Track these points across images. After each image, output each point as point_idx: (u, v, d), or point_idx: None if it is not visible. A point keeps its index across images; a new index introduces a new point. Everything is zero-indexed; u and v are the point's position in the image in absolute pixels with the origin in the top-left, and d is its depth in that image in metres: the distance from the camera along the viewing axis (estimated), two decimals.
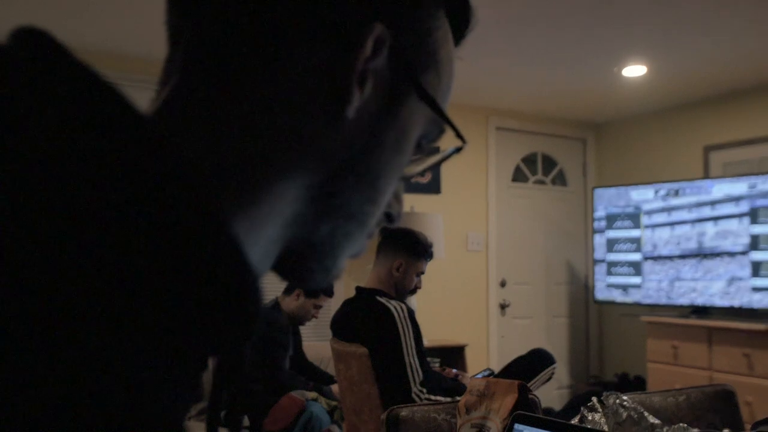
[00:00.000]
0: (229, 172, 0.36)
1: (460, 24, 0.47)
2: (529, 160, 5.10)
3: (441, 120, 0.44)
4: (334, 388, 3.11)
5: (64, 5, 2.96)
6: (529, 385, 2.65)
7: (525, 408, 0.83)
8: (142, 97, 0.37)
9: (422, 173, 0.48)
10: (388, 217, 0.47)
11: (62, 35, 0.33)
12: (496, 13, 3.02)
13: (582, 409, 1.13)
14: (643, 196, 4.40)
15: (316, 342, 3.79)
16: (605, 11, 3.03)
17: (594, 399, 1.04)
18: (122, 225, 0.29)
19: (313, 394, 3.08)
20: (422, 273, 2.65)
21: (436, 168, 0.45)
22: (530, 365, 2.78)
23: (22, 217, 0.27)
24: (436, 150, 0.48)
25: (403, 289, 2.61)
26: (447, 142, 0.48)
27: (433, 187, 4.55)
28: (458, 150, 0.47)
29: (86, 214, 0.28)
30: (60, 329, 0.26)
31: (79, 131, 0.30)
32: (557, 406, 4.67)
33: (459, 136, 0.45)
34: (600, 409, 1.04)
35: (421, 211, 4.21)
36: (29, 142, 0.29)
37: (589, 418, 1.05)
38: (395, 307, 2.44)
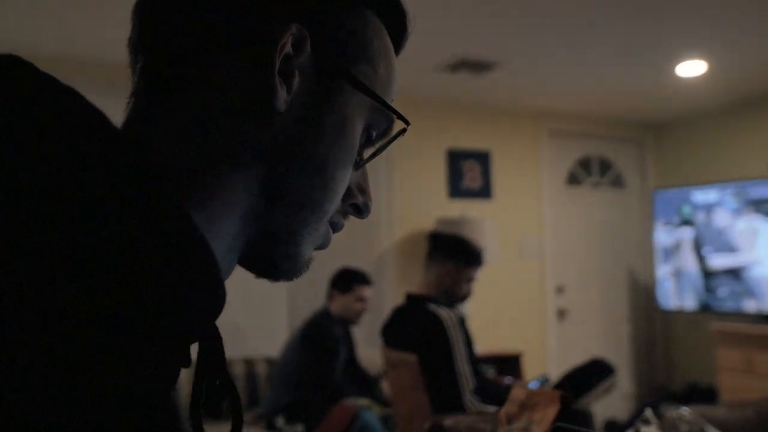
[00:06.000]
0: (183, 174, 0.41)
1: (396, 23, 0.50)
2: (584, 163, 4.97)
3: (383, 108, 0.47)
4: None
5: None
6: (587, 396, 2.58)
7: (568, 419, 0.79)
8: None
9: (372, 158, 0.50)
10: (356, 208, 0.50)
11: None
12: (544, 12, 2.96)
13: (636, 422, 1.07)
14: (707, 197, 4.21)
15: (371, 349, 3.77)
16: (661, 5, 2.92)
17: (647, 411, 0.98)
18: (99, 219, 0.33)
19: (365, 402, 3.06)
20: (473, 279, 2.60)
21: (382, 151, 0.46)
22: (588, 375, 2.68)
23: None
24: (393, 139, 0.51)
25: (454, 295, 2.57)
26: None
27: (485, 193, 4.48)
28: (403, 132, 0.50)
29: (68, 216, 0.33)
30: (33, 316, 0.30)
31: (65, 150, 0.34)
32: (622, 417, 4.51)
33: (401, 118, 0.48)
34: (654, 422, 0.98)
35: (472, 216, 4.15)
36: (18, 157, 0.34)
37: (643, 431, 0.99)
38: (445, 315, 2.41)
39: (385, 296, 3.94)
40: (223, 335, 0.44)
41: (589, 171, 4.98)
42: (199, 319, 0.38)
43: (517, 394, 0.90)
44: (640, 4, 2.89)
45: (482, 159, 4.48)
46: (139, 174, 0.36)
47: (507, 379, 2.93)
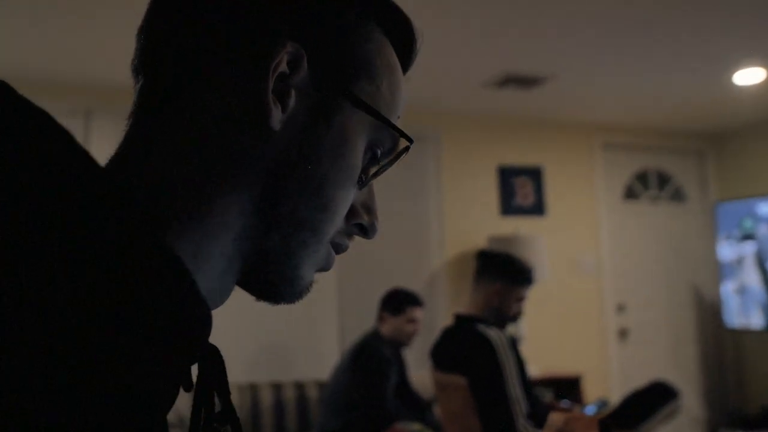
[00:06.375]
0: (174, 194, 0.41)
1: (403, 38, 0.49)
2: (641, 177, 4.81)
3: (386, 126, 0.45)
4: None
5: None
6: (648, 422, 2.45)
7: None
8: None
9: (375, 176, 0.49)
10: (361, 228, 0.48)
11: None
12: (592, 23, 2.89)
13: None
14: None
15: (424, 372, 3.72)
16: (716, 12, 2.81)
17: None
18: (78, 254, 0.33)
19: (418, 426, 3.01)
20: (523, 299, 2.52)
21: (386, 169, 0.50)
22: (649, 400, 2.55)
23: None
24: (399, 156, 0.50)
25: (504, 315, 2.50)
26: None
27: (537, 209, 4.38)
28: (406, 150, 0.48)
29: (46, 256, 0.32)
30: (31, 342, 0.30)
31: (41, 183, 0.34)
32: None
33: (403, 135, 0.47)
34: None
35: (525, 233, 4.07)
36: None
37: None
38: (495, 336, 2.34)
39: (438, 317, 3.89)
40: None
41: (646, 185, 4.81)
42: (185, 342, 0.37)
43: (554, 419, 0.86)
44: (694, 11, 2.79)
45: (534, 175, 4.40)
46: (104, 196, 0.36)
47: (563, 403, 2.83)
